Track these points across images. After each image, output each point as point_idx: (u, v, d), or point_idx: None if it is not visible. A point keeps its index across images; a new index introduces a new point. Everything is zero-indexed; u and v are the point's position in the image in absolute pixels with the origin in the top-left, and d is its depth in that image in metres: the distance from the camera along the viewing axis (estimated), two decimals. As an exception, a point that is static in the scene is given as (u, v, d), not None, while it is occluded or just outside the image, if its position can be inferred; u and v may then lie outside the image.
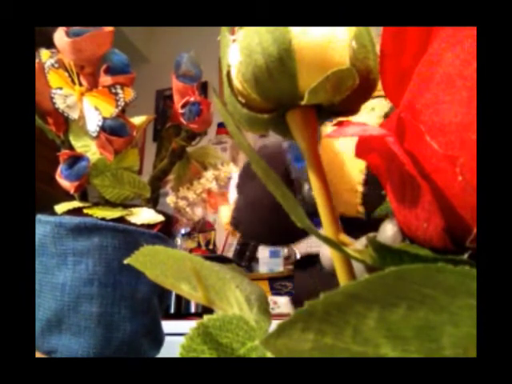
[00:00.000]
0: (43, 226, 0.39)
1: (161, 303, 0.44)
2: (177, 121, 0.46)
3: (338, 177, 0.43)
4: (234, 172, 0.53)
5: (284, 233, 0.50)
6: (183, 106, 0.44)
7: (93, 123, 0.40)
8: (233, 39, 0.19)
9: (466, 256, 0.15)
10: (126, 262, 0.20)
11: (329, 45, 0.18)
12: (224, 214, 0.49)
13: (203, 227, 1.80)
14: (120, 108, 0.40)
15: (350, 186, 0.44)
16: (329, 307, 0.11)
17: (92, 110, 0.40)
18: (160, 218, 0.42)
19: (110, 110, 0.40)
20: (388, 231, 0.18)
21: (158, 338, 0.43)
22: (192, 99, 0.44)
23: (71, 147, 0.42)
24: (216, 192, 0.50)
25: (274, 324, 0.13)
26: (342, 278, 0.18)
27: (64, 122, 0.42)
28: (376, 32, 0.19)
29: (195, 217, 0.49)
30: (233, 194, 0.51)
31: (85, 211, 0.40)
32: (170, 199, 0.48)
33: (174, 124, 0.47)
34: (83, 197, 0.43)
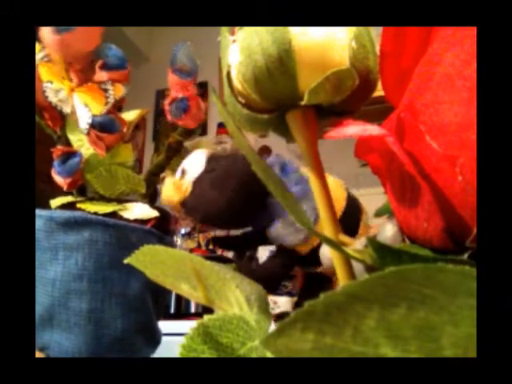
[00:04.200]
0: (37, 219, 0.39)
1: (156, 301, 0.43)
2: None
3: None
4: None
5: (243, 214, 0.52)
6: (170, 103, 0.44)
7: (83, 120, 0.39)
8: (233, 40, 0.19)
9: (465, 256, 0.15)
10: (126, 261, 0.20)
11: (329, 45, 0.18)
12: (170, 189, 0.49)
13: (203, 227, 1.80)
14: (110, 105, 0.39)
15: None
16: (329, 307, 0.11)
17: (82, 107, 0.40)
18: (154, 213, 0.42)
19: (99, 107, 0.39)
20: (388, 231, 0.18)
21: (153, 336, 0.43)
22: (180, 95, 0.43)
23: (68, 142, 0.42)
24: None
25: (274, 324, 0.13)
26: (342, 278, 0.18)
27: (60, 117, 0.42)
28: (376, 32, 0.19)
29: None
30: (192, 175, 0.50)
31: (77, 206, 0.40)
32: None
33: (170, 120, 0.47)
34: (81, 192, 0.43)
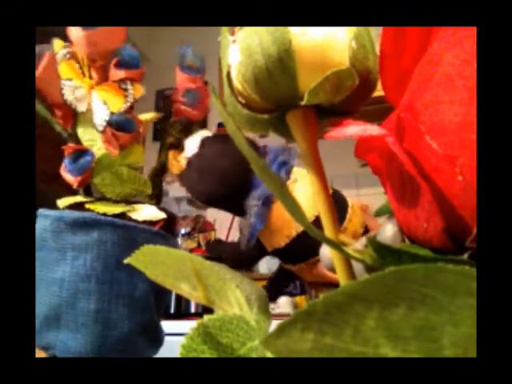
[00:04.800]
0: (44, 220, 0.39)
1: (158, 302, 0.43)
2: (180, 114, 0.47)
3: (284, 222, 0.53)
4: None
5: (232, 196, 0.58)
6: (183, 95, 0.45)
7: (100, 117, 0.39)
8: (233, 40, 0.19)
9: (466, 256, 0.15)
10: (126, 261, 0.20)
11: (329, 45, 0.18)
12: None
13: (203, 227, 1.80)
14: (129, 104, 0.40)
15: (287, 233, 0.58)
16: (329, 307, 0.11)
17: (100, 104, 0.40)
18: (162, 215, 0.42)
19: (118, 105, 0.40)
20: (388, 231, 0.18)
21: (156, 337, 0.43)
22: (193, 86, 0.45)
23: (78, 141, 0.42)
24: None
25: (274, 324, 0.13)
26: (342, 278, 0.18)
27: (72, 115, 0.42)
28: (376, 32, 0.19)
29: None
30: (186, 154, 0.56)
31: (86, 206, 0.40)
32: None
33: (177, 120, 0.48)
34: (88, 192, 0.43)
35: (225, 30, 0.20)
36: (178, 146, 0.49)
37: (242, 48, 0.18)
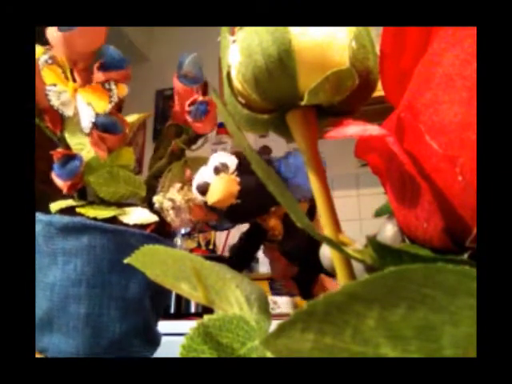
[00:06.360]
0: (36, 224, 0.39)
1: (156, 303, 0.43)
2: (178, 120, 0.46)
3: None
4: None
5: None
6: (191, 105, 0.44)
7: (86, 119, 0.39)
8: (233, 40, 0.19)
9: (466, 256, 0.15)
10: (125, 261, 0.20)
11: (328, 45, 0.18)
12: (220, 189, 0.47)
13: (203, 227, 1.80)
14: (113, 104, 0.40)
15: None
16: (329, 307, 0.11)
17: (85, 106, 0.40)
18: (154, 218, 0.42)
19: (102, 106, 0.39)
20: (388, 231, 0.18)
21: (151, 339, 0.43)
22: (200, 98, 0.44)
23: (68, 145, 0.42)
24: (198, 203, 0.48)
25: (274, 324, 0.13)
26: (342, 278, 0.18)
27: (60, 120, 0.42)
28: (376, 32, 0.19)
29: (177, 222, 0.47)
30: (232, 168, 0.50)
31: (77, 210, 0.40)
32: (157, 198, 0.47)
33: (174, 123, 0.47)
34: (82, 196, 0.43)
35: (225, 30, 0.20)
36: (181, 157, 0.48)
37: (242, 48, 0.18)
